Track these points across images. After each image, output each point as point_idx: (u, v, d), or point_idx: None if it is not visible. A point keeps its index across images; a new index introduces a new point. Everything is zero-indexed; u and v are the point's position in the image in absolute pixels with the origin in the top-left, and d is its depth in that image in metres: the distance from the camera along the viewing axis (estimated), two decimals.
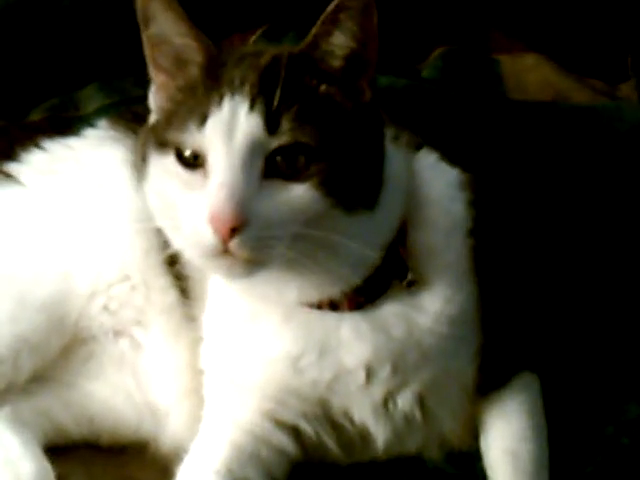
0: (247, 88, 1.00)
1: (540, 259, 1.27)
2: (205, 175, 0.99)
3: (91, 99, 1.74)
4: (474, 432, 1.23)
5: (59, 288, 1.24)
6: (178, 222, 1.02)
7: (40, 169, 1.35)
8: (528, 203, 1.38)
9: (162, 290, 1.25)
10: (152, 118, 1.09)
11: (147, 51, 1.06)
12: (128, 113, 1.39)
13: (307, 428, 1.16)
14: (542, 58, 1.82)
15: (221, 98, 0.99)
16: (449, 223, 1.13)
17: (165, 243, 1.12)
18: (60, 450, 1.25)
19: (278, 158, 0.98)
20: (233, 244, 0.96)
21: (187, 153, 1.01)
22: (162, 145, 1.03)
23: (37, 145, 1.37)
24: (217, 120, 0.99)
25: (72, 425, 1.27)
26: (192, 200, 1.00)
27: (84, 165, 1.33)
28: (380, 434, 1.16)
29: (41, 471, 1.18)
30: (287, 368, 1.11)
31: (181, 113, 1.02)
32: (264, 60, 1.03)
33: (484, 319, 1.14)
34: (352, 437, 1.18)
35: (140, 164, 1.07)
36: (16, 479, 1.17)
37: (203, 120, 0.99)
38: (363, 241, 1.04)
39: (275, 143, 0.98)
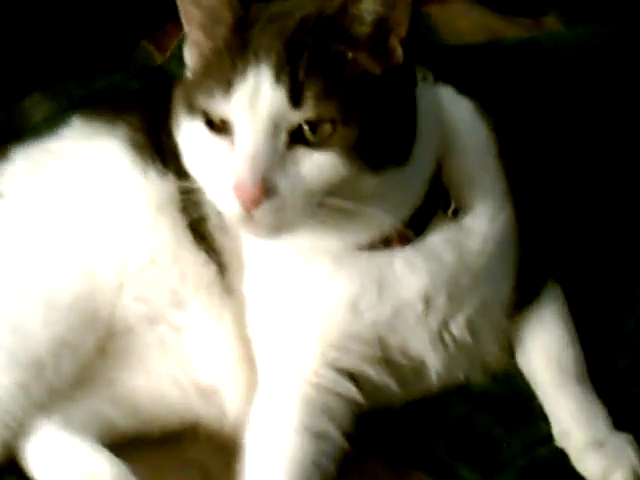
0: (273, 58, 0.98)
1: (546, 175, 1.32)
2: (232, 142, 0.99)
3: (37, 107, 1.66)
4: (509, 351, 1.26)
5: (85, 285, 1.20)
6: (209, 183, 1.03)
7: (27, 176, 1.28)
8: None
9: (198, 266, 1.21)
10: (186, 74, 1.08)
11: (181, 10, 1.05)
12: (104, 105, 1.36)
13: (368, 371, 1.17)
14: (470, 3, 1.82)
15: (246, 66, 0.98)
16: (479, 149, 1.16)
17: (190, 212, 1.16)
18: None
19: (304, 127, 0.98)
20: (257, 213, 0.97)
21: (215, 119, 1.00)
22: (191, 108, 1.03)
23: (6, 158, 1.30)
24: (242, 89, 0.98)
25: (122, 421, 1.22)
26: (220, 165, 1.00)
27: (78, 161, 1.27)
28: (436, 365, 1.18)
29: (118, 471, 1.15)
30: (347, 312, 1.12)
31: (209, 77, 1.01)
32: (291, 25, 1.00)
33: (519, 235, 1.18)
34: (407, 373, 1.20)
35: (174, 123, 1.06)
36: None
37: (229, 88, 0.98)
38: (397, 195, 1.06)
39: (299, 117, 0.97)
